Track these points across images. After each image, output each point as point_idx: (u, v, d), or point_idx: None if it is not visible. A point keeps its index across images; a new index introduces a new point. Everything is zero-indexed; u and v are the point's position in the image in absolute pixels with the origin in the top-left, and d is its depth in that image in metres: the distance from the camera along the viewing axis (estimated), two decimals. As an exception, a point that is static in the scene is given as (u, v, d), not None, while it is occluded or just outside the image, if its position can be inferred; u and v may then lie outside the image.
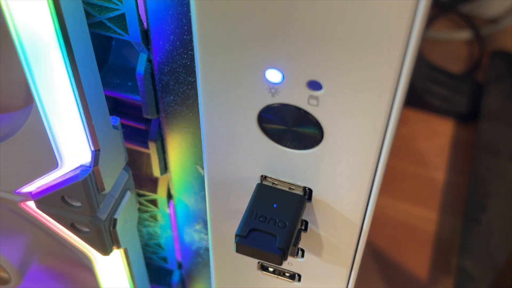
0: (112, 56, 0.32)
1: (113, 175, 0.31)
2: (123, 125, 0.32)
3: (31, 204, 0.32)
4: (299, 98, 0.23)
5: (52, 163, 0.29)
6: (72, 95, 0.26)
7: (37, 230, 0.34)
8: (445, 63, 0.73)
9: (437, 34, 0.77)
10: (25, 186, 0.31)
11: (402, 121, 0.50)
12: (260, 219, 0.26)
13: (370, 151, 0.24)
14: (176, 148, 0.33)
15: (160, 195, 0.36)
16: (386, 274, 0.56)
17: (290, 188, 0.27)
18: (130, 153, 0.34)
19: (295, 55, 0.22)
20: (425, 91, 0.69)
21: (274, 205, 0.26)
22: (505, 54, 0.72)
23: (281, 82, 0.23)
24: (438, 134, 0.68)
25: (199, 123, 0.26)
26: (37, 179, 0.30)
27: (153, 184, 0.36)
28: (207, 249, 0.39)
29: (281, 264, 0.26)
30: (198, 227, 0.38)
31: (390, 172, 0.60)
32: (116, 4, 0.27)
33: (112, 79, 0.32)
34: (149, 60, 0.30)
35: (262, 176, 0.27)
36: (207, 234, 0.37)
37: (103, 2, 0.27)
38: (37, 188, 0.31)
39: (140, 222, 0.39)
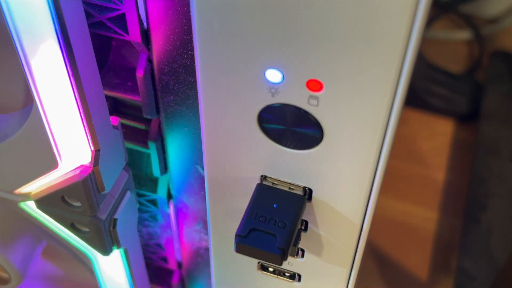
0: (112, 56, 0.32)
1: (113, 175, 0.31)
2: (123, 125, 0.32)
3: (31, 204, 0.32)
4: (299, 98, 0.23)
5: (52, 163, 0.29)
6: (72, 95, 0.26)
7: (37, 230, 0.34)
8: (445, 63, 0.73)
9: (437, 34, 0.77)
10: (25, 186, 0.31)
11: (402, 121, 0.50)
12: (260, 219, 0.26)
13: (370, 151, 0.24)
14: (176, 148, 0.33)
15: (160, 195, 0.36)
16: (386, 274, 0.56)
17: (290, 188, 0.27)
18: (130, 153, 0.34)
19: (295, 55, 0.22)
20: (425, 91, 0.69)
21: (274, 205, 0.26)
22: (505, 54, 0.72)
23: (281, 82, 0.23)
24: (438, 134, 0.68)
25: (199, 123, 0.26)
26: (37, 179, 0.30)
27: (153, 184, 0.36)
28: (207, 249, 0.39)
29: (281, 264, 0.26)
30: (198, 227, 0.38)
31: (390, 172, 0.60)
32: (116, 4, 0.27)
33: (112, 79, 0.32)
34: (149, 60, 0.30)
35: (262, 176, 0.27)
36: (207, 234, 0.37)
37: (103, 2, 0.27)
38: (37, 188, 0.31)
39: (140, 222, 0.39)
